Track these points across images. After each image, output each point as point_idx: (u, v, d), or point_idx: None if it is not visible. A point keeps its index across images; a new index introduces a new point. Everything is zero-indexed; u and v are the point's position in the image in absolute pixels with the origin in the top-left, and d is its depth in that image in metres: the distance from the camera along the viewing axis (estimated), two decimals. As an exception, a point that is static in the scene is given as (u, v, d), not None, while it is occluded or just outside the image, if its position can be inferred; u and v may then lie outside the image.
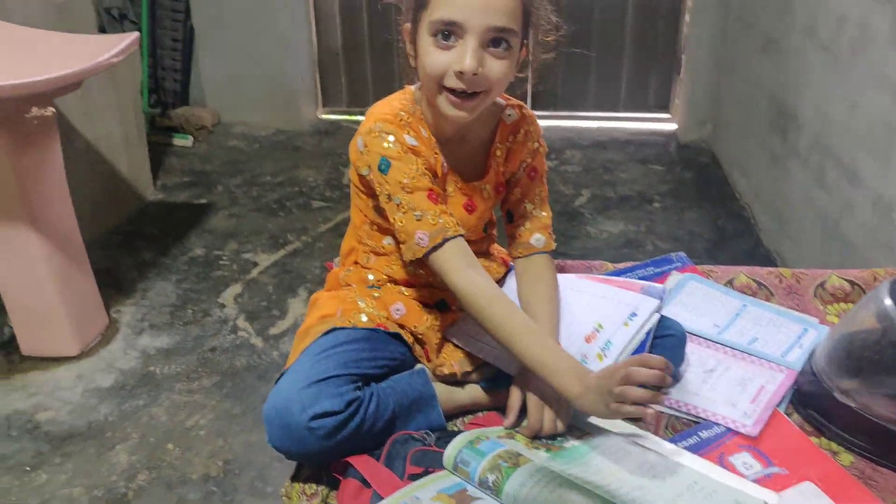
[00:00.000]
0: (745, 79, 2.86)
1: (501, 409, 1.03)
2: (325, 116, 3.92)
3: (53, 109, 1.90)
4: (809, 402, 1.04)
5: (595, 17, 3.49)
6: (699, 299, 1.25)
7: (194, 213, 2.92)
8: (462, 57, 0.95)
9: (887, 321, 0.94)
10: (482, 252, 1.20)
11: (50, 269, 1.97)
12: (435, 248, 0.99)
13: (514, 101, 1.18)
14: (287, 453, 0.96)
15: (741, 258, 2.46)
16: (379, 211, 1.08)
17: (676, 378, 1.08)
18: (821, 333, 1.18)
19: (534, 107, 3.72)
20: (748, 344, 1.14)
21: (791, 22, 2.38)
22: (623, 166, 3.19)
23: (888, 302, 0.95)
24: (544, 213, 1.18)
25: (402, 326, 1.08)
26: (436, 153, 1.07)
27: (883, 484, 0.96)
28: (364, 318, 1.06)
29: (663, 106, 3.60)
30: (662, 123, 3.57)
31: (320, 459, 0.96)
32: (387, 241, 1.13)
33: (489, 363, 1.07)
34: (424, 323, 1.09)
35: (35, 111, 1.85)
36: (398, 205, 1.01)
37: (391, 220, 1.03)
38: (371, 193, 1.09)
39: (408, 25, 1.04)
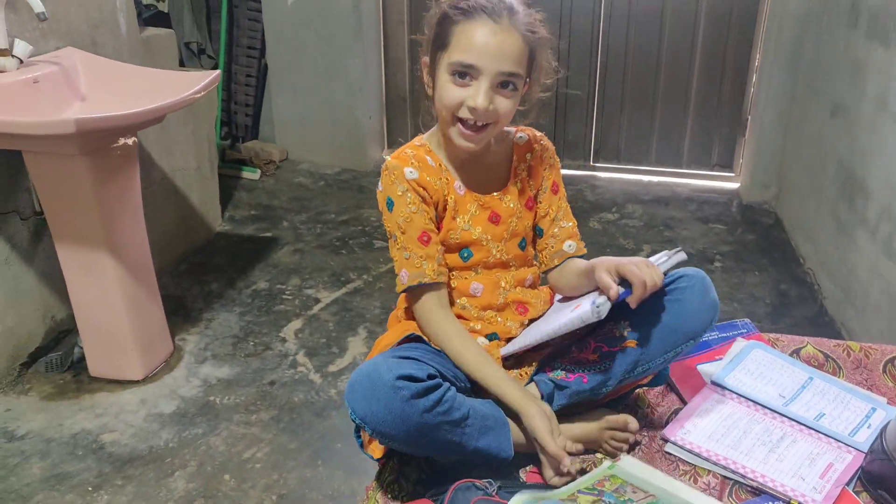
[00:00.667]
0: (813, 143, 2.84)
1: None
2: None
3: (136, 139, 2.02)
4: (881, 481, 1.02)
5: (662, 73, 3.52)
6: (765, 367, 1.24)
7: (260, 246, 3.02)
8: (476, 95, 1.10)
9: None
10: (522, 284, 1.25)
11: (123, 295, 2.07)
12: (411, 288, 1.17)
13: (522, 126, 1.30)
14: (368, 419, 1.02)
15: (804, 325, 2.42)
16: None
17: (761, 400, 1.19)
18: (889, 414, 1.16)
19: (596, 160, 3.77)
20: (815, 419, 1.13)
21: (862, 90, 2.37)
22: (684, 224, 3.18)
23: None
24: (571, 223, 1.29)
25: None
26: (446, 177, 1.20)
27: None
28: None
29: (727, 165, 3.59)
30: (725, 182, 3.56)
31: (396, 429, 1.00)
32: None
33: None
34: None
35: (120, 141, 1.97)
36: (395, 241, 1.20)
37: (390, 254, 1.21)
38: None
39: (426, 59, 1.19)
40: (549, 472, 1.05)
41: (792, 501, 0.96)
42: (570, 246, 1.28)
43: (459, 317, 1.19)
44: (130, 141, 2.01)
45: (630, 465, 1.00)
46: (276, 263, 2.88)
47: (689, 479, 1.01)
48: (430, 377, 1.03)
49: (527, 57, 1.14)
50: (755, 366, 1.24)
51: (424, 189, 1.19)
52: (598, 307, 1.03)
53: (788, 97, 3.16)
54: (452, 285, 1.20)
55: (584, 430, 1.12)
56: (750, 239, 3.04)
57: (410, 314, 1.24)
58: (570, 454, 1.03)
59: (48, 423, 1.98)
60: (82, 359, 2.21)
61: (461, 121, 1.14)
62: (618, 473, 0.98)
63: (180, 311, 2.50)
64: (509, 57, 1.11)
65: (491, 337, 1.20)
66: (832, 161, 2.59)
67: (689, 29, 3.42)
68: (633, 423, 1.11)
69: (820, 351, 1.29)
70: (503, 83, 1.13)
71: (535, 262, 1.33)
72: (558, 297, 1.30)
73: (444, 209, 1.21)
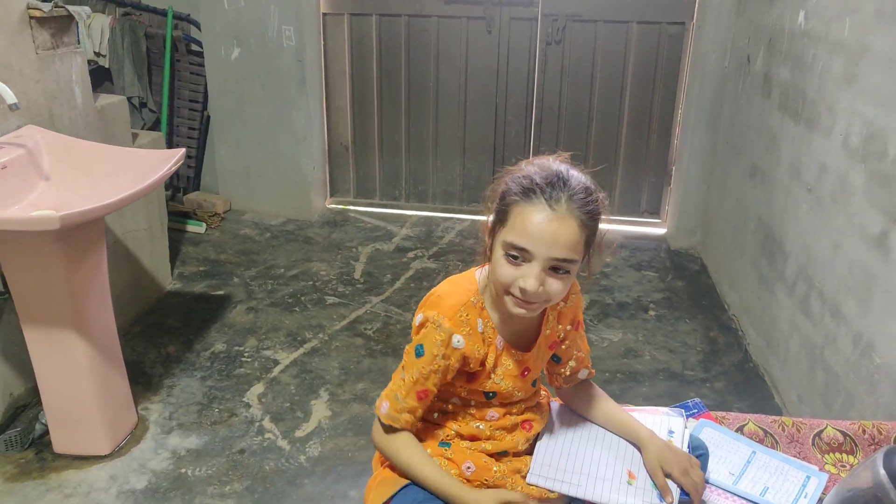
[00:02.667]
0: (734, 198, 3.11)
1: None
2: (332, 206, 4.11)
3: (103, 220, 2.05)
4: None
5: (594, 126, 3.76)
6: (714, 445, 1.41)
7: (213, 304, 3.05)
8: (527, 278, 1.11)
9: (882, 491, 1.10)
10: (531, 408, 1.35)
11: (90, 371, 2.08)
12: (383, 424, 1.25)
13: None
14: None
15: (732, 372, 2.65)
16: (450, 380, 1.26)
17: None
18: (821, 480, 1.35)
19: (533, 207, 3.95)
20: (761, 495, 1.30)
21: (777, 157, 2.64)
22: (619, 271, 3.40)
23: (882, 472, 1.12)
24: (585, 352, 1.38)
25: (469, 481, 1.23)
26: (488, 345, 1.23)
27: None
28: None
29: (654, 212, 3.86)
30: (654, 228, 3.82)
31: None
32: (452, 402, 1.28)
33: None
34: (494, 475, 1.24)
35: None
36: (402, 377, 1.23)
37: (394, 377, 1.25)
38: None
39: (488, 223, 1.20)
40: None
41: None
42: (583, 373, 1.38)
43: (474, 437, 1.28)
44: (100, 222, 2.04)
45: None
46: (231, 323, 2.91)
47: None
48: None
49: (583, 242, 1.12)
50: (707, 445, 1.41)
51: (465, 358, 1.21)
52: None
53: (710, 152, 3.45)
54: (471, 412, 1.29)
55: None
56: (679, 286, 3.29)
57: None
58: None
59: (15, 507, 1.97)
60: (44, 434, 2.20)
61: (513, 294, 1.14)
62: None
63: (140, 377, 2.51)
64: (563, 245, 1.09)
65: (501, 454, 1.30)
66: (752, 218, 2.86)
67: (618, 85, 3.68)
68: None
69: (760, 427, 1.48)
70: (555, 267, 1.11)
71: (542, 385, 1.41)
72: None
73: (483, 366, 1.24)
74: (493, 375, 1.24)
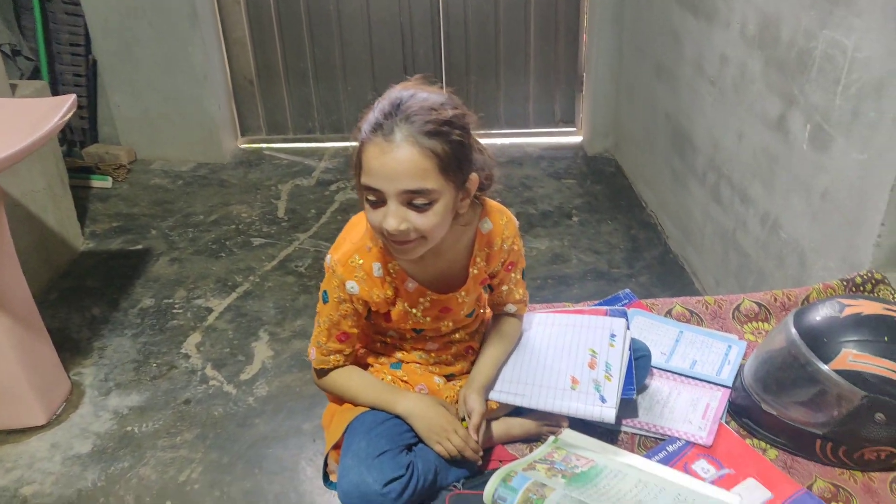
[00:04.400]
0: (643, 98, 3.19)
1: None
2: (245, 146, 3.98)
3: (-2, 180, 1.94)
4: (742, 412, 1.31)
5: (501, 38, 3.73)
6: (646, 331, 1.50)
7: (132, 260, 2.95)
8: (387, 217, 1.05)
9: (794, 347, 1.21)
10: (472, 333, 1.37)
11: (11, 343, 1.99)
12: (316, 370, 1.29)
13: (494, 206, 1.26)
14: None
15: (654, 265, 2.78)
16: (369, 317, 1.28)
17: (645, 387, 1.37)
18: (741, 348, 1.46)
19: (449, 127, 3.94)
20: (690, 367, 1.40)
21: (680, 54, 2.70)
22: (540, 182, 3.46)
23: (793, 331, 1.22)
24: (520, 292, 1.36)
25: None
26: (393, 288, 1.21)
27: (799, 470, 1.23)
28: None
29: (569, 120, 3.91)
30: (570, 137, 3.88)
31: None
32: (389, 335, 1.31)
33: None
34: (445, 398, 1.28)
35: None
36: (318, 323, 1.26)
37: (315, 322, 1.27)
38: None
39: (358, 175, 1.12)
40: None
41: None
42: (510, 308, 1.35)
43: (417, 363, 1.30)
44: (-7, 184, 1.92)
45: (570, 437, 1.21)
46: (156, 277, 2.83)
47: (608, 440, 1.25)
48: (408, 467, 1.13)
49: (436, 168, 1.04)
50: (639, 331, 1.49)
51: (365, 302, 1.20)
52: (602, 413, 1.20)
53: (617, 55, 3.49)
54: (409, 344, 1.30)
55: (524, 427, 1.31)
56: (598, 189, 3.39)
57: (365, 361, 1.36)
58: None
59: (-43, 487, 1.91)
60: (-27, 413, 2.12)
61: (391, 239, 1.09)
62: (562, 445, 1.19)
63: (67, 343, 2.43)
64: (406, 174, 1.02)
65: (449, 376, 1.33)
66: (661, 116, 2.94)
67: (522, -9, 3.63)
68: (565, 420, 1.29)
69: (686, 308, 1.58)
70: (411, 201, 1.05)
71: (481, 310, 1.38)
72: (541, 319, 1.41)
73: (393, 305, 1.22)
74: (409, 316, 1.24)
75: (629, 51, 3.37)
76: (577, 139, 3.86)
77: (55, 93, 3.60)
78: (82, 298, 2.69)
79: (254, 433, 2.07)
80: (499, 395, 1.28)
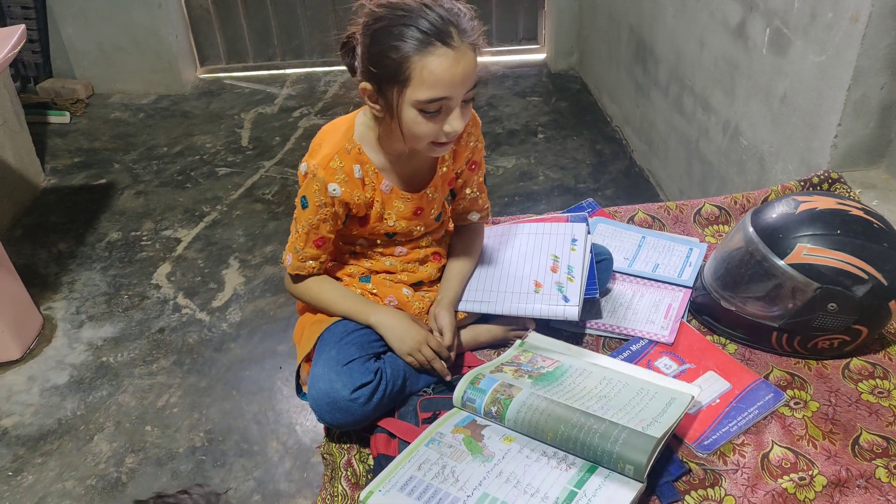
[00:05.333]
0: (606, 13, 3.14)
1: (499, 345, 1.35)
2: (205, 76, 3.87)
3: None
4: (703, 310, 1.36)
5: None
6: (609, 237, 1.53)
7: (97, 195, 2.90)
8: (454, 122, 1.09)
9: (751, 244, 1.25)
10: (439, 240, 1.38)
11: (-21, 279, 1.98)
12: (291, 275, 1.29)
13: None
14: (335, 424, 1.16)
15: (620, 179, 2.81)
16: (343, 225, 1.27)
17: (608, 290, 1.41)
18: (701, 250, 1.50)
19: (413, 49, 3.86)
20: (653, 271, 1.44)
21: (643, -37, 2.65)
22: (506, 101, 3.43)
23: (751, 229, 1.26)
24: (483, 198, 1.38)
25: None
26: (372, 189, 1.23)
27: (757, 362, 1.29)
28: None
29: (532, 38, 3.85)
30: (533, 55, 3.83)
31: (359, 423, 1.16)
32: (359, 243, 1.31)
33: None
34: (413, 310, 1.30)
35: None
36: (296, 229, 1.25)
37: (291, 230, 1.26)
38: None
39: (367, 86, 1.11)
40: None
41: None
42: (474, 216, 1.38)
43: (386, 272, 1.31)
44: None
45: (536, 339, 1.25)
46: (122, 210, 2.80)
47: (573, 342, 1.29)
48: (376, 373, 1.15)
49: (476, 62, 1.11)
50: (602, 238, 1.52)
51: (346, 203, 1.21)
52: (565, 311, 1.24)
53: (579, -32, 3.42)
54: (378, 250, 1.31)
55: (492, 333, 1.34)
56: (564, 106, 3.37)
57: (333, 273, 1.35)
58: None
59: (-64, 423, 1.92)
60: (-55, 351, 2.11)
61: (438, 143, 1.13)
62: (528, 348, 1.23)
63: (35, 279, 2.41)
64: (472, 74, 1.08)
65: (417, 284, 1.34)
66: (624, 29, 2.91)
67: None
68: (531, 323, 1.33)
69: (648, 215, 1.61)
70: (467, 99, 1.11)
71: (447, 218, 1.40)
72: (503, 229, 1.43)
73: (371, 208, 1.24)
74: (384, 218, 1.26)
75: (593, -37, 3.30)
76: (541, 56, 3.81)
77: (3, 23, 3.45)
78: (47, 234, 2.65)
79: (229, 357, 2.09)
80: (465, 304, 1.31)
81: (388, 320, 1.23)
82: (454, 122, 1.09)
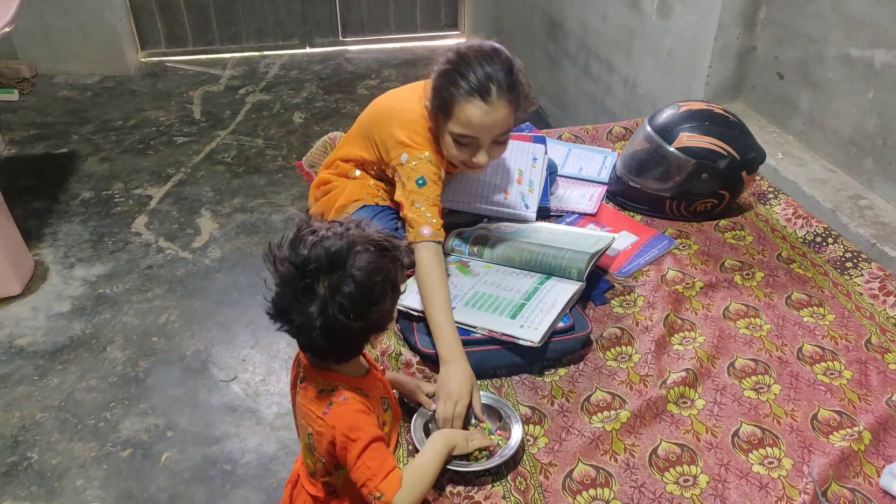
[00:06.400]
0: (520, -2, 3.62)
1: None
2: (146, 59, 4.09)
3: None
4: (617, 193, 1.80)
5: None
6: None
7: (61, 162, 3.10)
8: (478, 156, 1.36)
9: (649, 138, 1.70)
10: None
11: (-18, 220, 2.20)
12: (435, 242, 1.34)
13: None
14: None
15: (539, 137, 3.28)
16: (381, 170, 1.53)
17: (550, 194, 1.81)
18: (614, 157, 1.96)
19: (345, 35, 4.23)
20: (578, 172, 1.88)
21: (552, -47, 3.14)
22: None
23: (648, 128, 1.71)
24: None
25: None
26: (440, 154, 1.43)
27: (656, 225, 1.71)
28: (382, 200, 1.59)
29: (453, 24, 4.30)
30: (454, 39, 4.27)
31: None
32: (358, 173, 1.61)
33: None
34: None
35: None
36: (418, 207, 1.35)
37: (406, 204, 1.36)
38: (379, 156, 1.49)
39: (429, 106, 1.36)
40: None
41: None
42: None
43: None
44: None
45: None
46: (90, 174, 3.02)
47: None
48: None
49: (512, 114, 1.33)
50: (538, 150, 1.96)
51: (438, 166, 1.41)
52: (526, 215, 1.59)
53: (494, -39, 3.89)
54: None
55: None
56: (486, 82, 3.82)
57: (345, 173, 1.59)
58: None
59: (-49, 347, 2.13)
60: (-56, 293, 2.31)
61: (468, 166, 1.39)
62: (493, 222, 1.64)
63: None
64: (500, 125, 1.32)
65: None
66: (537, 11, 3.39)
67: None
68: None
69: (572, 134, 2.06)
70: (496, 140, 1.35)
71: None
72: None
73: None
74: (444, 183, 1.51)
75: (506, -44, 3.78)
76: (461, 41, 4.25)
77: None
78: (20, 195, 2.84)
79: (217, 283, 2.39)
80: (451, 204, 1.64)
81: (462, 368, 1.18)
82: (480, 157, 1.36)
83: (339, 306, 0.91)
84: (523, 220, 1.63)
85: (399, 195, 1.40)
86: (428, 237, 1.33)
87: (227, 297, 2.34)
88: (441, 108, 1.33)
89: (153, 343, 2.15)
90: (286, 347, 2.12)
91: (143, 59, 4.08)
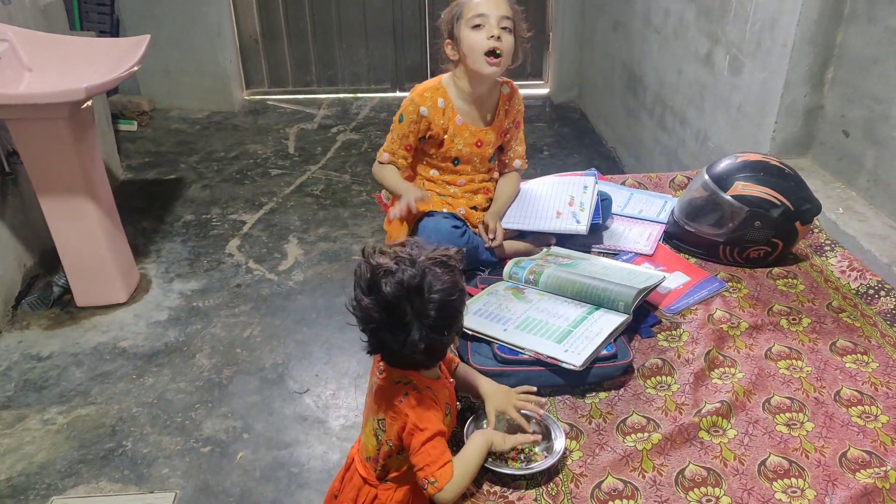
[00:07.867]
0: (602, 52, 3.77)
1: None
2: (250, 98, 4.45)
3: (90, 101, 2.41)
4: (673, 236, 1.88)
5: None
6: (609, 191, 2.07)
7: (169, 187, 3.42)
8: (490, 30, 1.65)
9: (706, 185, 1.78)
10: (487, 180, 1.91)
11: (102, 230, 2.47)
12: (381, 162, 1.81)
13: (505, 79, 1.86)
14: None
15: (612, 185, 3.37)
16: (422, 141, 1.81)
17: (607, 227, 1.93)
18: (674, 202, 2.04)
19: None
20: (638, 213, 1.98)
21: (632, 10, 3.28)
22: (514, 125, 4.02)
23: (706, 176, 1.79)
24: (521, 148, 1.93)
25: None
26: (448, 119, 1.77)
27: (710, 269, 1.79)
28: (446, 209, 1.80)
29: (538, 75, 4.48)
30: (539, 89, 4.45)
31: None
32: (432, 173, 1.84)
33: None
34: (473, 219, 1.82)
35: (88, 103, 2.37)
36: (392, 136, 1.80)
37: (387, 140, 1.80)
38: (422, 143, 1.80)
39: (449, 41, 1.73)
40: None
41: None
42: (517, 164, 1.91)
43: (450, 196, 1.83)
44: (90, 103, 2.40)
45: (557, 250, 1.77)
46: (192, 198, 3.32)
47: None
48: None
49: (511, 11, 1.68)
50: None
51: (429, 124, 1.74)
52: (577, 228, 1.76)
53: (579, 15, 4.06)
54: (446, 179, 1.83)
55: (524, 245, 1.83)
56: (565, 131, 3.96)
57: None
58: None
59: (64, 344, 2.39)
60: (62, 295, 2.59)
61: (488, 55, 1.65)
62: (551, 253, 1.75)
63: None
64: (503, 6, 1.67)
65: (473, 207, 1.85)
66: (618, 64, 3.52)
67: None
68: (553, 238, 1.84)
69: (636, 181, 2.16)
70: (503, 27, 1.65)
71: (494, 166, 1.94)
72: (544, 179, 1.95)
73: (445, 133, 1.76)
74: (454, 142, 1.78)
75: (590, 10, 3.94)
76: (545, 90, 4.43)
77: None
78: (131, 215, 3.16)
79: (298, 304, 2.59)
80: (507, 223, 1.82)
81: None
82: (492, 30, 1.64)
83: (432, 327, 1.05)
84: (575, 234, 1.78)
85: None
86: (379, 157, 1.81)
87: (307, 317, 2.52)
88: (454, 21, 1.68)
89: (237, 354, 2.35)
90: (356, 367, 2.27)
91: (247, 98, 4.44)
